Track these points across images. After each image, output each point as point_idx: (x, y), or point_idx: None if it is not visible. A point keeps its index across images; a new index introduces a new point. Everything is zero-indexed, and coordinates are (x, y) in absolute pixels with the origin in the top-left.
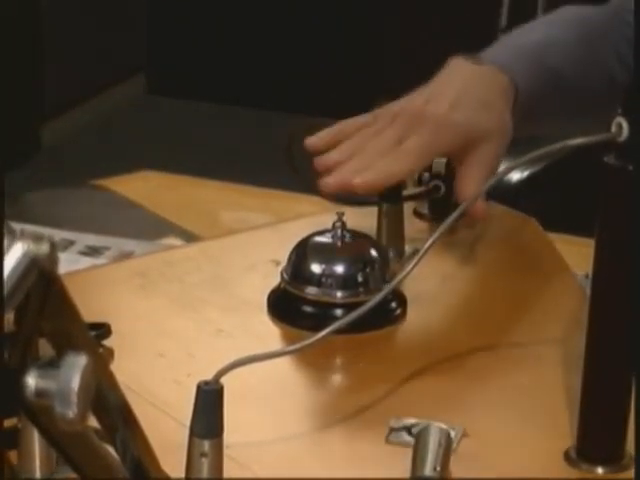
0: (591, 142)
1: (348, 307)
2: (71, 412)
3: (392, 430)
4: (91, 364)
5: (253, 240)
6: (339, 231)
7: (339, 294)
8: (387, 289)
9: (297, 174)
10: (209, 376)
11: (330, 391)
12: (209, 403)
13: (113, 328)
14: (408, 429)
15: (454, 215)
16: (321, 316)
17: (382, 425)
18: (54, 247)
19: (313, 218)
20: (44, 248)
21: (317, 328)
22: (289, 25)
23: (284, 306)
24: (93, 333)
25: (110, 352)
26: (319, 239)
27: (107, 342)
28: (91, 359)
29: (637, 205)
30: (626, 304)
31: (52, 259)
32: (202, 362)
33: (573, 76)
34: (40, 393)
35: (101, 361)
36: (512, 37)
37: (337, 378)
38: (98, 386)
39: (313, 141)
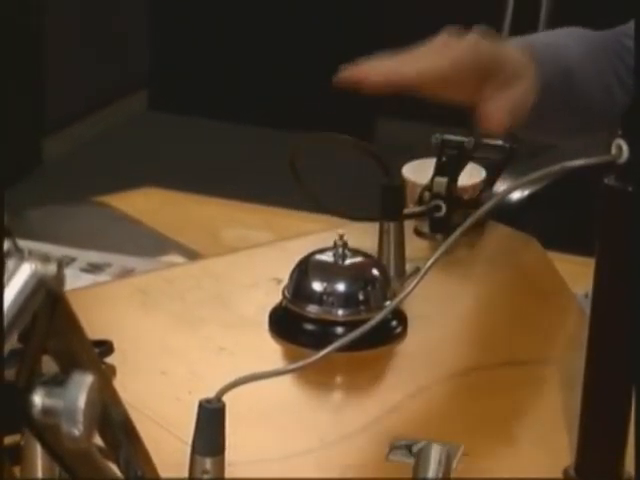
0: (591, 164)
1: (349, 325)
2: (77, 430)
3: (392, 448)
4: (97, 383)
5: (255, 258)
6: (340, 249)
7: (340, 312)
8: (389, 308)
9: (302, 187)
10: (211, 394)
11: (331, 409)
12: (211, 421)
13: (115, 346)
14: (408, 448)
15: (455, 234)
16: (322, 334)
17: (382, 443)
18: (61, 267)
19: (315, 236)
20: (51, 269)
21: (318, 346)
22: (290, 43)
23: (285, 324)
24: (95, 350)
25: (112, 369)
26: (320, 257)
27: (109, 359)
28: (96, 377)
29: (637, 226)
30: (626, 325)
31: (59, 279)
32: (204, 380)
33: (581, 81)
34: (47, 411)
35: (105, 379)
36: (523, 38)
37: (338, 396)
38: (102, 403)
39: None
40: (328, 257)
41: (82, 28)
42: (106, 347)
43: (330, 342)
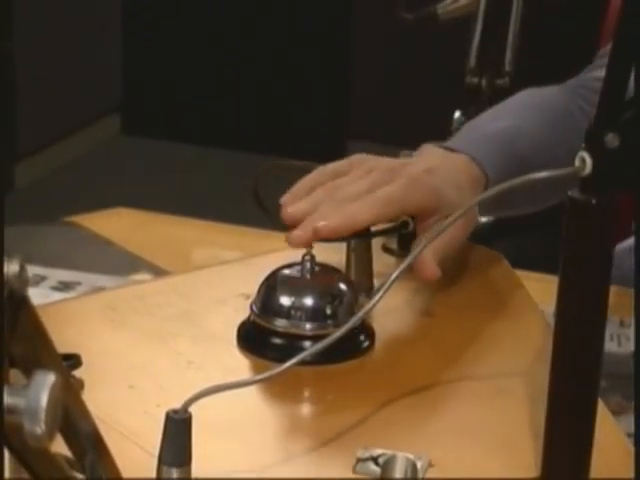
0: (555, 176)
1: (317, 339)
2: (39, 429)
3: (359, 460)
4: (59, 382)
5: (223, 274)
6: (308, 264)
7: (308, 326)
8: (353, 321)
9: (266, 214)
10: (179, 406)
11: (297, 422)
12: (177, 431)
13: (84, 360)
14: (375, 459)
15: (420, 247)
16: (290, 348)
17: (349, 456)
18: (24, 268)
19: (283, 253)
20: (13, 267)
21: (286, 360)
22: (262, 68)
23: (254, 338)
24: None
25: (80, 383)
26: (288, 272)
27: (77, 373)
28: (60, 378)
29: (601, 238)
30: (589, 338)
31: (22, 279)
32: (172, 393)
33: (542, 161)
34: (10, 410)
35: (71, 385)
36: (479, 125)
37: (305, 409)
38: (68, 411)
39: (288, 199)
40: (296, 272)
41: (54, 53)
42: (74, 360)
43: (298, 356)
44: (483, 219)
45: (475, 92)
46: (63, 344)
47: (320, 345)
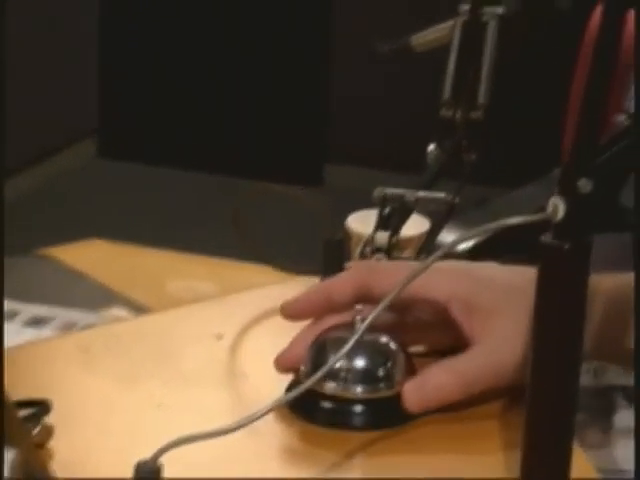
0: (527, 221)
1: (367, 403)
2: None
3: None
4: (20, 459)
5: (196, 314)
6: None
7: (358, 389)
8: (328, 366)
9: (245, 243)
10: (151, 451)
11: (275, 469)
12: None
13: (55, 404)
14: None
15: (397, 290)
16: (340, 412)
17: None
18: None
19: (259, 291)
20: None
21: (335, 424)
22: (240, 92)
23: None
24: (32, 410)
25: (49, 429)
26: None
27: (48, 419)
28: (19, 452)
29: (575, 283)
30: (564, 382)
31: None
32: (143, 437)
33: None
34: None
35: (37, 457)
36: None
37: (285, 457)
38: (28, 467)
39: (290, 309)
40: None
41: (28, 76)
42: (43, 407)
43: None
44: (459, 248)
45: (449, 125)
46: (34, 388)
47: (291, 395)
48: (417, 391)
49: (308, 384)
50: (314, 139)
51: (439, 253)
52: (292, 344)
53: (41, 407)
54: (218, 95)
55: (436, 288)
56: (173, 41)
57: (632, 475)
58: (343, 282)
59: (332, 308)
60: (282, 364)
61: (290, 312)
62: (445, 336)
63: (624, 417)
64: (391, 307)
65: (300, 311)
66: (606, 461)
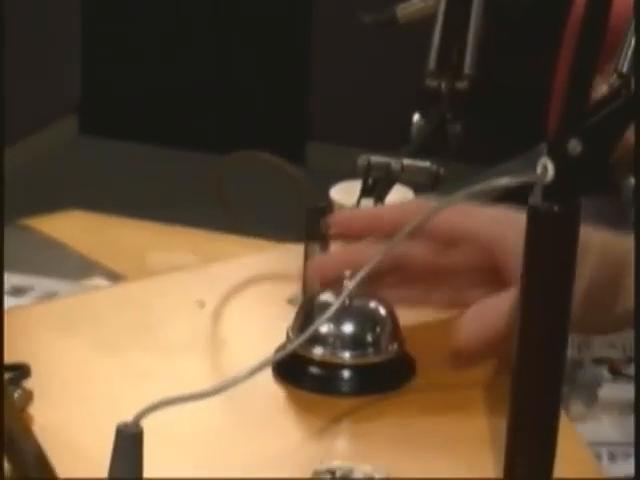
0: (516, 183)
1: (356, 368)
2: None
3: (316, 473)
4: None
5: (177, 282)
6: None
7: (347, 355)
8: (311, 329)
9: (225, 208)
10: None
11: (255, 436)
12: (128, 446)
13: (34, 370)
14: (332, 472)
15: (380, 255)
16: (328, 378)
17: (306, 470)
18: None
19: (240, 259)
20: None
21: (323, 390)
22: (222, 68)
23: (291, 368)
24: (11, 374)
25: (29, 394)
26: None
27: (27, 384)
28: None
29: (564, 246)
30: (552, 346)
31: None
32: (124, 405)
33: None
34: None
35: (13, 406)
36: None
37: (260, 422)
38: (11, 433)
39: (339, 216)
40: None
41: (10, 53)
42: (23, 371)
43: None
44: None
45: (435, 95)
46: (14, 353)
47: (276, 357)
48: (479, 318)
49: (294, 346)
50: (296, 117)
51: (421, 218)
52: (331, 256)
53: (20, 371)
54: (200, 72)
55: (481, 230)
56: (155, 17)
57: (615, 448)
58: (395, 208)
59: (378, 228)
60: (320, 271)
61: (338, 219)
62: (477, 282)
63: (609, 391)
64: (434, 242)
65: (347, 220)
66: (589, 434)
